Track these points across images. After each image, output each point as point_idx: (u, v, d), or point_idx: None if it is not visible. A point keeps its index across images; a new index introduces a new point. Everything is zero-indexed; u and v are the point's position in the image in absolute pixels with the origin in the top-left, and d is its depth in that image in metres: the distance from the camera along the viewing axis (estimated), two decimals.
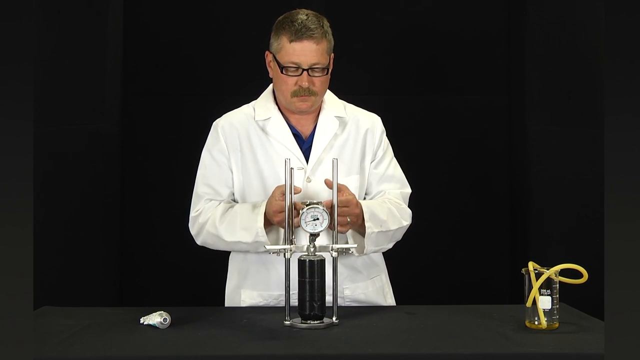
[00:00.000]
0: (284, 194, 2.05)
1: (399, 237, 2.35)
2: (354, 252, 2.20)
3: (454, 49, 3.51)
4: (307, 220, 2.02)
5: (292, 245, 2.03)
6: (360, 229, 2.24)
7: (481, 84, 3.53)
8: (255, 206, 2.23)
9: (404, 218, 2.34)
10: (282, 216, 2.09)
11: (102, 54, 3.27)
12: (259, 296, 2.33)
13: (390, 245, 2.34)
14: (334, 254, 2.03)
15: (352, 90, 2.63)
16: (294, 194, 2.07)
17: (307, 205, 2.04)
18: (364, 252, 2.26)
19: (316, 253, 2.02)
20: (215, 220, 2.28)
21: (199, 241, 2.35)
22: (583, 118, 3.32)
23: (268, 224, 2.20)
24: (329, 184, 2.12)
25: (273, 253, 2.05)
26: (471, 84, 3.53)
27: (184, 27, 3.48)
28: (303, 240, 2.14)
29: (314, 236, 2.03)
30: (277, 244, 2.21)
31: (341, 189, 2.14)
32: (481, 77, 3.52)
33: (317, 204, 2.04)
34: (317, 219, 2.02)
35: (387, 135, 2.43)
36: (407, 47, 3.50)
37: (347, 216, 2.12)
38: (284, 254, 2.02)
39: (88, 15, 3.25)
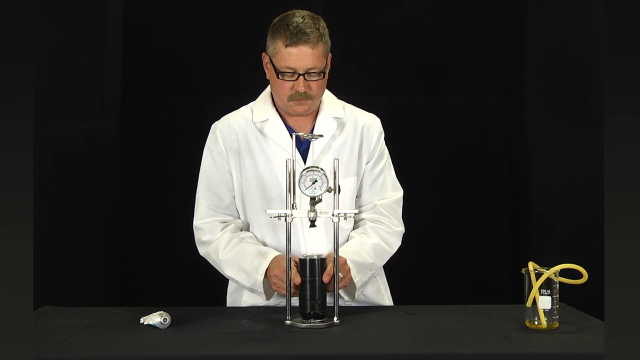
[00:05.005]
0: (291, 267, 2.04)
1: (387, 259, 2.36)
2: (346, 297, 2.23)
3: (454, 49, 3.51)
4: (307, 184, 1.99)
5: (293, 210, 2.02)
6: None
7: (481, 84, 3.53)
8: (261, 253, 2.22)
9: (391, 245, 2.33)
10: (275, 281, 2.13)
11: (102, 54, 3.27)
12: (260, 298, 2.32)
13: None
14: (335, 219, 2.02)
15: (351, 90, 2.63)
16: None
17: (306, 169, 2.00)
18: (355, 298, 2.26)
19: (317, 217, 2.00)
20: (218, 248, 2.28)
21: (201, 253, 2.35)
22: (583, 118, 3.32)
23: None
24: None
25: (273, 217, 2.04)
26: (471, 84, 3.52)
27: (183, 27, 3.48)
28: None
29: (314, 200, 2.01)
30: (270, 298, 2.24)
31: (328, 258, 2.08)
32: (481, 77, 3.52)
33: (315, 167, 2.00)
34: (316, 181, 1.99)
35: (386, 135, 2.41)
36: (407, 47, 3.50)
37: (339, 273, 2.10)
38: (285, 219, 2.02)
39: (88, 15, 3.25)
